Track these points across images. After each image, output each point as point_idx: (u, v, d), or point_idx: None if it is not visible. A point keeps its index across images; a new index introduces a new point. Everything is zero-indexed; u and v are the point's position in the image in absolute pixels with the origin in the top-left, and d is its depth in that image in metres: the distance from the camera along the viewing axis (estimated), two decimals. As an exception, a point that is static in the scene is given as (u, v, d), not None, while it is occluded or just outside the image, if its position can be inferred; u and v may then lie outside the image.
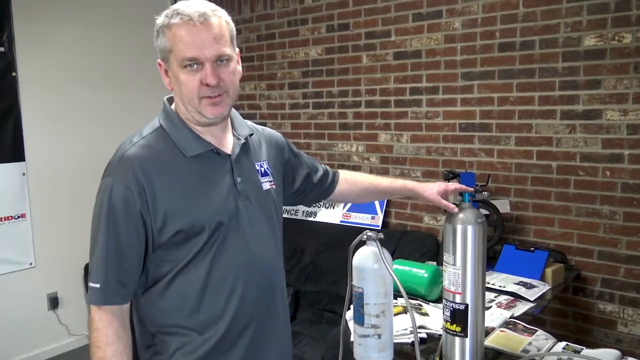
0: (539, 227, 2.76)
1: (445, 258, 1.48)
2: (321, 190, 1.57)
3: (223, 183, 1.22)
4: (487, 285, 2.21)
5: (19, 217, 3.31)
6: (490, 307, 2.01)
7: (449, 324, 1.51)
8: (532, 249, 2.48)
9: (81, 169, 3.56)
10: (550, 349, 1.61)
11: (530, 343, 1.65)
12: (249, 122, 1.40)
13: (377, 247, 1.35)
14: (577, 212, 2.65)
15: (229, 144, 1.28)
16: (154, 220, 1.14)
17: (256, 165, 1.32)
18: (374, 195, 1.69)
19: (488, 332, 1.71)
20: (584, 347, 1.60)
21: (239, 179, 1.24)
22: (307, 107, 3.64)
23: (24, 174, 3.32)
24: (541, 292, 2.20)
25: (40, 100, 3.39)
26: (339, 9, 3.38)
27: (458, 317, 1.49)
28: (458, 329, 1.50)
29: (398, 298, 1.85)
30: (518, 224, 2.81)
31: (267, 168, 1.35)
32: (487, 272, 2.40)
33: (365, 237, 1.34)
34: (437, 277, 2.00)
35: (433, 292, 2.00)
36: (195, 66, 1.16)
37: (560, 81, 2.66)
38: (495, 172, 2.88)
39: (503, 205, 2.70)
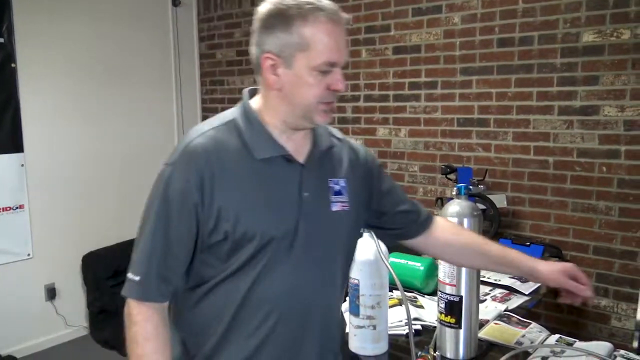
0: (535, 222, 2.77)
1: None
2: (403, 230, 1.34)
3: (287, 194, 1.09)
4: (482, 278, 2.23)
5: (17, 208, 3.32)
6: (485, 300, 2.03)
7: (443, 315, 1.53)
8: (528, 243, 2.50)
9: (79, 160, 3.57)
10: (544, 341, 1.63)
11: (523, 335, 1.67)
12: (334, 131, 1.25)
13: (374, 239, 1.36)
14: (573, 208, 2.67)
15: (304, 153, 1.14)
16: (207, 217, 1.05)
17: (330, 182, 1.16)
18: (478, 259, 1.38)
19: (482, 324, 1.72)
20: (577, 340, 1.62)
21: (306, 194, 1.10)
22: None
23: (22, 165, 3.32)
24: (536, 286, 2.21)
25: (40, 92, 3.39)
26: (339, 3, 3.36)
27: (452, 308, 1.51)
28: (452, 320, 1.52)
29: (394, 290, 1.86)
30: (514, 219, 2.83)
31: (342, 187, 1.17)
32: (482, 266, 2.42)
33: (361, 229, 1.35)
34: (432, 270, 2.02)
35: (429, 285, 2.01)
36: (329, 71, 1.05)
37: (558, 77, 2.67)
38: (492, 167, 2.89)
39: (500, 200, 2.72)
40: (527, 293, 2.13)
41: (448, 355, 1.54)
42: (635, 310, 2.14)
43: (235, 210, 1.05)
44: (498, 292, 2.14)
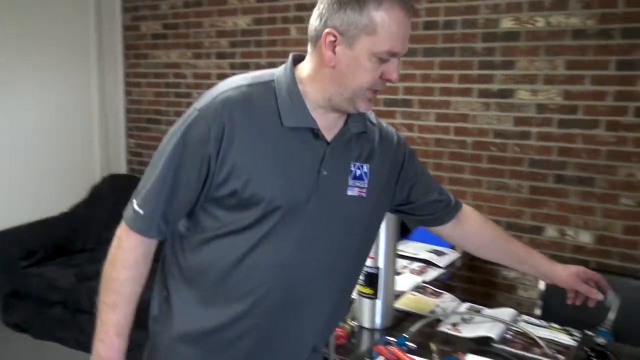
0: (454, 199, 2.90)
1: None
2: (431, 217, 1.35)
3: (305, 168, 1.07)
4: (401, 253, 2.33)
5: None
6: (403, 273, 2.11)
7: (362, 287, 1.59)
8: (446, 219, 2.60)
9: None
10: (455, 309, 1.73)
11: (437, 305, 1.76)
12: (370, 115, 1.20)
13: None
14: (488, 186, 2.81)
15: (334, 132, 1.11)
16: (218, 170, 1.03)
17: (352, 166, 1.13)
18: (501, 255, 1.45)
19: (399, 295, 1.80)
20: (485, 308, 1.73)
21: (324, 172, 1.08)
22: (234, 77, 3.59)
23: None
24: (451, 260, 2.33)
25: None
26: (268, -21, 3.34)
27: (371, 280, 1.57)
28: (370, 291, 1.58)
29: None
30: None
31: (364, 172, 1.14)
32: (402, 241, 2.51)
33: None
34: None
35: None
36: (387, 60, 1.03)
37: (478, 61, 2.78)
38: (415, 146, 2.98)
39: (421, 179, 2.81)
40: (442, 266, 2.25)
41: (365, 325, 1.60)
42: (539, 280, 2.30)
43: (249, 171, 1.04)
44: (416, 265, 2.24)
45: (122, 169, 4.15)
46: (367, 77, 1.03)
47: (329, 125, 1.10)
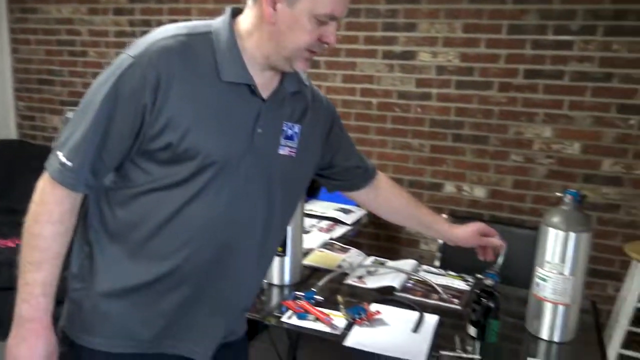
0: (360, 159, 2.98)
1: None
2: (347, 182, 1.39)
3: (241, 125, 1.07)
4: (309, 212, 2.37)
5: None
6: (312, 231, 2.16)
7: (270, 244, 1.61)
8: (353, 179, 2.68)
9: None
10: (361, 263, 1.80)
11: (344, 260, 1.83)
12: (303, 77, 1.19)
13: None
14: (392, 146, 2.92)
15: (269, 90, 1.10)
16: (153, 122, 1.00)
17: (284, 125, 1.13)
18: (410, 220, 1.55)
19: (308, 252, 1.85)
20: (388, 260, 1.82)
21: (259, 130, 1.07)
22: (134, 35, 3.40)
23: None
24: (358, 217, 2.42)
25: None
26: None
27: (278, 237, 1.59)
28: (280, 249, 1.60)
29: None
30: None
31: (295, 133, 1.15)
32: (311, 201, 2.56)
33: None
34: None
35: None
36: (326, 22, 1.02)
37: (382, 23, 2.83)
38: (322, 107, 3.01)
39: (329, 139, 2.86)
40: (349, 223, 2.32)
41: (275, 282, 1.63)
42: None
43: (186, 124, 1.00)
44: (324, 223, 2.29)
45: (11, 134, 3.85)
46: (305, 38, 1.02)
47: (265, 83, 1.09)
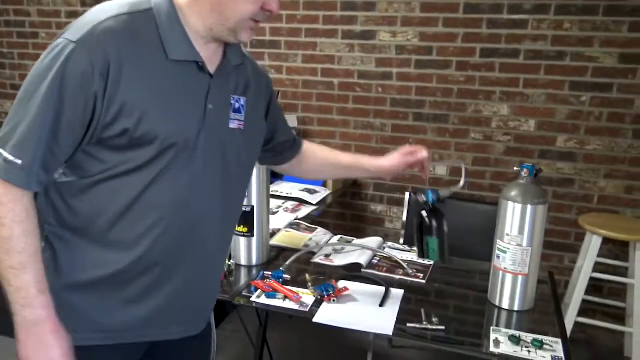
0: (323, 139, 2.99)
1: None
2: (279, 157, 1.39)
3: (192, 103, 1.04)
4: (275, 193, 2.37)
5: None
6: (278, 212, 2.17)
7: (237, 226, 1.60)
8: (316, 159, 2.70)
9: None
10: (327, 242, 1.82)
11: (310, 239, 1.85)
12: (244, 50, 1.18)
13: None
14: (355, 126, 2.94)
15: (215, 64, 1.08)
16: (106, 109, 0.95)
17: (232, 99, 1.12)
18: (335, 171, 1.54)
19: (274, 233, 1.86)
20: (355, 238, 1.84)
21: (210, 106, 1.05)
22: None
23: None
24: (322, 197, 2.44)
25: None
26: None
27: (245, 219, 1.59)
28: (245, 230, 1.60)
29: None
30: (305, 138, 2.99)
31: (242, 105, 1.14)
32: (276, 182, 2.57)
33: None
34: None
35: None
36: None
37: (341, 2, 2.83)
38: (284, 88, 3.00)
39: (291, 120, 2.85)
40: (314, 203, 2.34)
41: (242, 263, 1.64)
42: (403, 212, 2.50)
43: (141, 108, 0.96)
44: (290, 204, 2.30)
45: (-41, 120, 3.69)
46: (248, 8, 1.01)
47: (210, 57, 1.07)
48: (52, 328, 0.98)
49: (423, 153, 1.42)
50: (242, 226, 1.60)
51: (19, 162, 0.93)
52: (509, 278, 1.42)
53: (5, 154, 0.93)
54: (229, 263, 1.60)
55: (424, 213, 1.44)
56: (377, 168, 1.44)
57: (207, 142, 1.06)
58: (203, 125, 1.05)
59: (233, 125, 1.12)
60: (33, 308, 0.97)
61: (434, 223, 1.43)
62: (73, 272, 1.04)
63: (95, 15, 0.97)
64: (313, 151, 1.46)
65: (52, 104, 0.94)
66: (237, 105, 1.13)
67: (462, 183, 1.50)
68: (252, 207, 1.59)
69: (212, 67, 1.07)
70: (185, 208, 1.06)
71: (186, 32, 1.03)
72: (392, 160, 1.44)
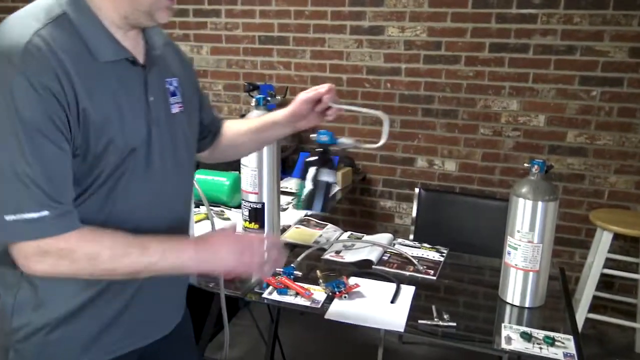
0: (331, 136, 2.99)
1: (242, 161, 1.55)
2: (203, 139, 1.30)
3: (136, 100, 0.99)
4: (285, 190, 2.38)
5: None
6: (287, 208, 2.18)
7: (247, 222, 1.62)
8: (326, 155, 2.70)
9: None
10: (337, 238, 1.83)
11: (321, 235, 1.85)
12: (160, 29, 1.11)
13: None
14: (363, 121, 2.94)
15: (141, 53, 1.03)
16: (75, 126, 0.90)
17: (166, 83, 1.08)
18: (249, 142, 1.37)
19: (285, 229, 1.86)
20: (365, 234, 1.85)
21: (151, 98, 1.01)
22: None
23: None
24: (332, 193, 2.44)
25: None
26: None
27: (256, 215, 1.60)
28: (256, 226, 1.61)
29: (200, 206, 1.90)
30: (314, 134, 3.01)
31: (176, 87, 1.10)
32: (285, 179, 2.57)
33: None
34: (238, 185, 2.07)
35: (234, 199, 2.08)
36: None
37: (349, -3, 2.82)
38: (293, 84, 3.00)
39: (300, 117, 2.86)
40: (324, 199, 2.34)
41: (253, 259, 1.64)
42: (412, 208, 2.50)
43: (95, 120, 0.91)
44: (299, 200, 2.31)
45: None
46: None
47: (134, 46, 1.02)
48: (203, 243, 1.01)
49: (322, 88, 1.27)
50: (252, 222, 1.61)
51: (58, 207, 0.89)
52: (519, 274, 1.42)
53: (42, 212, 0.88)
54: (240, 260, 1.60)
55: (312, 156, 1.24)
56: (283, 115, 1.30)
57: (159, 136, 1.03)
58: (150, 120, 1.01)
59: (175, 109, 1.09)
60: (187, 257, 0.99)
61: (312, 169, 1.22)
62: (56, 306, 1.00)
63: (14, 34, 0.88)
64: (224, 129, 1.35)
65: (34, 148, 0.87)
66: (172, 88, 1.09)
67: (382, 141, 1.28)
68: (263, 203, 1.60)
69: (139, 57, 1.02)
70: (156, 208, 1.04)
71: (106, 28, 0.96)
72: (294, 105, 1.29)
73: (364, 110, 1.32)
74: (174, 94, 1.09)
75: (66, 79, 0.88)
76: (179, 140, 1.09)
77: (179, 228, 1.11)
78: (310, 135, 1.23)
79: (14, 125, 0.85)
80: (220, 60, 3.13)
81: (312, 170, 1.15)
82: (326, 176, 1.28)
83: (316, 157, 1.18)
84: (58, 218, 0.89)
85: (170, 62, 1.12)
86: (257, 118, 1.36)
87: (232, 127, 1.34)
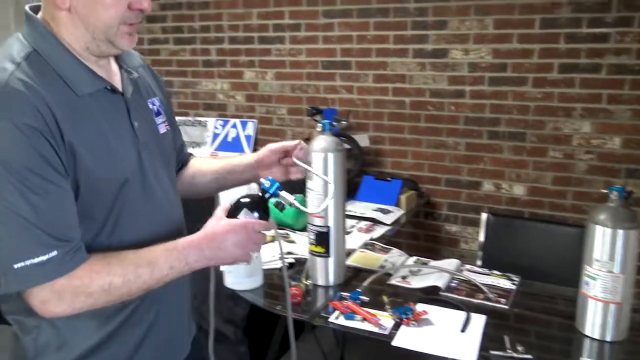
0: (394, 159, 2.98)
1: (308, 184, 1.57)
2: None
3: (121, 129, 0.99)
4: (349, 212, 2.38)
5: None
6: (352, 232, 2.17)
7: (313, 246, 1.62)
8: (389, 178, 2.70)
9: None
10: (403, 263, 1.81)
11: (386, 260, 1.83)
12: (133, 52, 1.11)
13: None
14: (427, 144, 2.90)
15: (117, 78, 1.02)
16: (67, 165, 0.90)
17: (149, 104, 1.08)
18: (213, 183, 1.30)
19: (349, 253, 1.86)
20: (431, 260, 1.82)
21: (136, 124, 1.01)
22: (167, 42, 3.48)
23: None
24: (396, 217, 2.42)
25: None
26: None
27: (321, 239, 1.61)
28: (322, 250, 1.62)
29: (266, 228, 1.93)
30: (376, 157, 3.01)
31: (158, 106, 1.11)
32: (349, 202, 2.58)
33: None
34: (302, 208, 2.11)
35: (299, 222, 2.10)
36: None
37: (411, 21, 2.82)
38: (355, 108, 3.02)
39: (363, 140, 2.87)
40: (388, 223, 2.33)
41: (319, 283, 1.65)
42: (479, 233, 2.43)
43: (84, 155, 0.91)
44: (363, 224, 2.30)
45: None
46: (110, 13, 0.91)
47: (110, 75, 1.00)
48: (208, 240, 1.00)
49: (291, 142, 1.22)
50: (318, 246, 1.61)
51: (54, 253, 0.88)
52: (599, 306, 1.35)
53: (36, 259, 0.86)
54: (306, 283, 1.61)
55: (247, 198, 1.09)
56: (248, 161, 1.26)
57: (149, 161, 1.03)
58: (139, 146, 1.01)
59: (162, 129, 1.10)
60: (193, 260, 0.99)
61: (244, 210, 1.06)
62: (79, 342, 1.00)
63: None
64: (190, 163, 1.32)
65: (35, 192, 0.86)
66: (155, 108, 1.10)
67: (320, 208, 1.24)
68: (328, 227, 1.60)
69: (117, 84, 1.02)
70: (156, 226, 1.04)
71: (79, 59, 0.95)
72: (263, 152, 1.24)
73: (320, 174, 1.37)
74: (158, 114, 1.10)
75: (50, 115, 0.86)
76: (168, 157, 1.12)
77: (177, 232, 1.11)
78: (260, 179, 1.12)
79: (8, 171, 0.84)
80: (284, 85, 3.19)
81: (242, 214, 1.05)
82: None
83: (251, 200, 1.08)
84: (66, 256, 0.88)
85: (150, 82, 1.14)
86: (221, 159, 1.33)
87: (196, 164, 1.32)
